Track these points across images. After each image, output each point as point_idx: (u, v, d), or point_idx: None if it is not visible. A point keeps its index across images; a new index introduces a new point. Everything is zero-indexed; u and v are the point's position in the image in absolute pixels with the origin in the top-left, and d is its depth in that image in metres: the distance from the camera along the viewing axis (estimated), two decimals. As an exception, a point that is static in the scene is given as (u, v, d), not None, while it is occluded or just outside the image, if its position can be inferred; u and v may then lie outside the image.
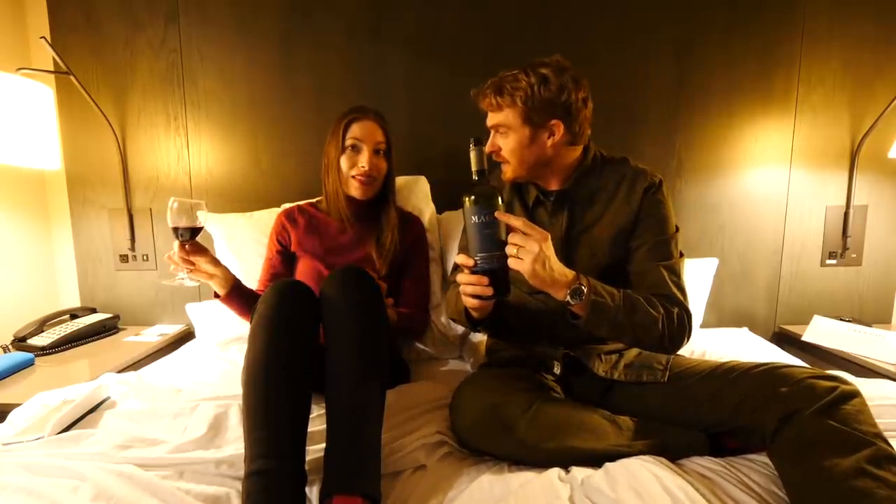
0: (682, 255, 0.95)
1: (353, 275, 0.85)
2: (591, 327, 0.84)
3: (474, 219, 0.80)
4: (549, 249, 0.79)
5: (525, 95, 0.89)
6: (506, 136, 0.94)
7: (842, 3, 1.49)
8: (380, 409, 0.78)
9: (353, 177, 1.14)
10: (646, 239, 0.94)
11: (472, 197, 0.81)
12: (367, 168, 1.13)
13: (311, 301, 0.84)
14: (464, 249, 0.95)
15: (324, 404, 0.77)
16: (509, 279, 0.82)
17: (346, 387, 0.76)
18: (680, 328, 0.87)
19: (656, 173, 0.98)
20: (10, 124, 1.27)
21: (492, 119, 0.95)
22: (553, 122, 0.91)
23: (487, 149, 0.95)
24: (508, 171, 0.98)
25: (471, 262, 0.81)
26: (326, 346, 0.80)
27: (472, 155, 0.83)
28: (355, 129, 1.13)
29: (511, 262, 0.79)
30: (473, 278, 0.81)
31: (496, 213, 0.79)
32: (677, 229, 0.97)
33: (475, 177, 0.83)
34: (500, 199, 0.81)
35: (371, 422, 0.75)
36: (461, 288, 0.83)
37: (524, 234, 0.78)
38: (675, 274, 0.92)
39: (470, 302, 0.84)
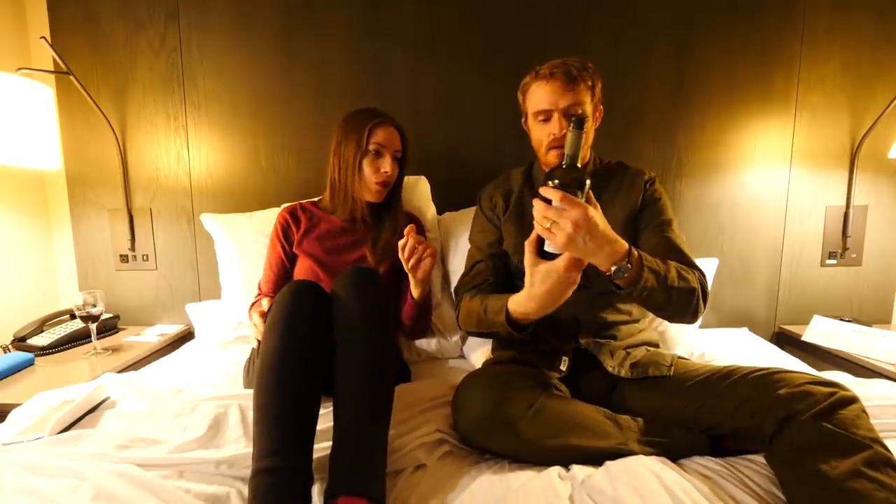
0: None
1: (364, 276, 0.86)
2: (635, 295, 0.82)
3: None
4: (590, 221, 0.73)
5: (592, 81, 0.98)
6: None
7: (842, 3, 1.49)
8: (387, 411, 0.78)
9: (376, 182, 1.15)
10: (652, 219, 1.04)
11: (574, 183, 0.73)
12: (389, 173, 1.15)
13: (325, 302, 0.84)
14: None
15: (329, 404, 0.76)
16: None
17: (355, 387, 0.76)
18: (704, 292, 0.92)
19: (650, 171, 1.10)
20: (10, 124, 1.27)
21: (568, 98, 0.96)
22: (601, 107, 1.02)
23: (558, 131, 0.97)
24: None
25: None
26: (338, 346, 0.80)
27: (571, 137, 0.73)
28: (379, 135, 1.14)
29: (543, 234, 0.75)
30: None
31: (541, 190, 0.74)
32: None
33: (568, 161, 0.73)
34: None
35: (378, 423, 0.75)
36: (571, 276, 0.77)
37: (560, 209, 0.73)
38: (685, 245, 1.01)
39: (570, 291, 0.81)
